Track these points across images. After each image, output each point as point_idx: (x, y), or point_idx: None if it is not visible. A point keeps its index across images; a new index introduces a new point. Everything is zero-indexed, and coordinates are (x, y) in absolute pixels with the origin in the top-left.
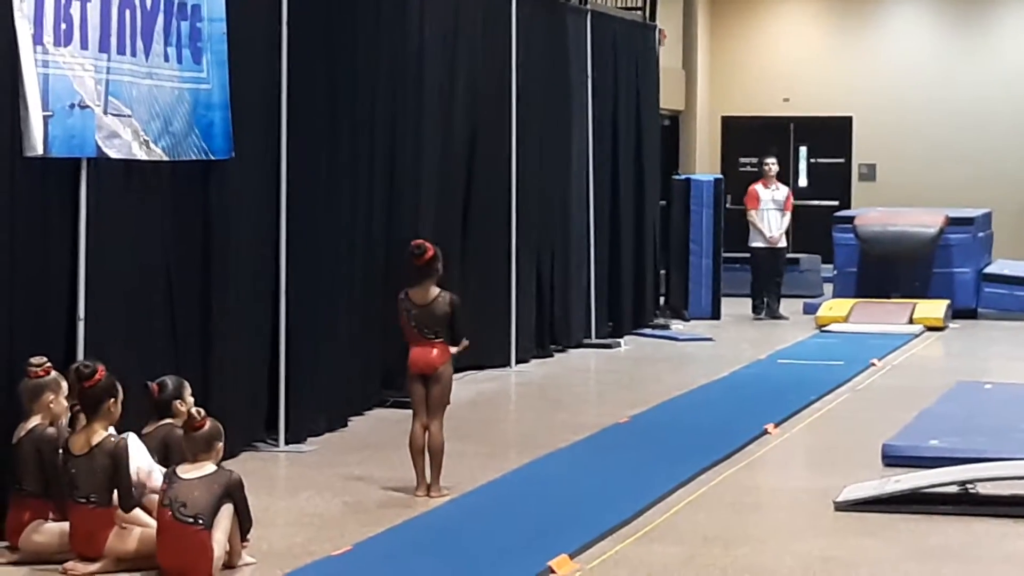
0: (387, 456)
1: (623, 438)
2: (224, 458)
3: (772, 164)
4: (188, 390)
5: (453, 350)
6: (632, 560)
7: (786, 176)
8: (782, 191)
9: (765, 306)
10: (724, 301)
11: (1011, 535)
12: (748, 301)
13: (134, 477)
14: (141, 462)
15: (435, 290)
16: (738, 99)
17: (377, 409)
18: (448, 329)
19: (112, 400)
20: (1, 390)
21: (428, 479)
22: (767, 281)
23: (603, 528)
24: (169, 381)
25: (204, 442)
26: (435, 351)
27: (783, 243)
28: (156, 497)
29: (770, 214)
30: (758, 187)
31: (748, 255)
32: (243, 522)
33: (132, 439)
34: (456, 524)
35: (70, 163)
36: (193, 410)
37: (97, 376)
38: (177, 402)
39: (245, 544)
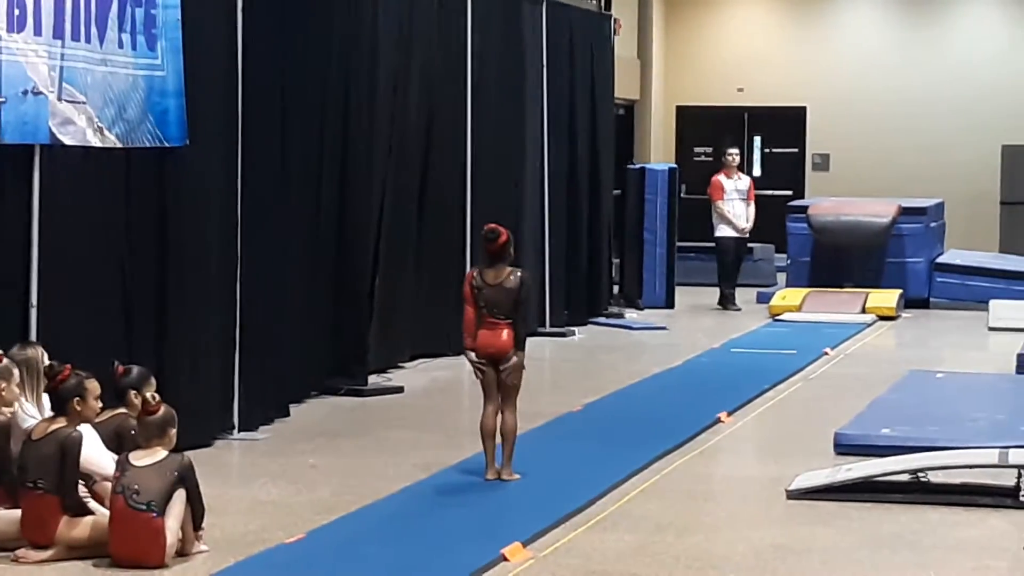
0: (341, 444)
1: (577, 426)
2: (190, 448)
3: (734, 154)
4: (152, 387)
5: (513, 359)
6: (585, 548)
7: (740, 166)
8: (744, 180)
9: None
10: (678, 290)
11: (962, 523)
12: (703, 290)
13: (90, 467)
14: (93, 451)
15: (507, 269)
16: (693, 89)
17: (330, 398)
18: (515, 308)
19: (77, 399)
20: None
21: (499, 463)
22: (734, 271)
23: (556, 516)
24: (135, 369)
25: (157, 428)
26: (505, 333)
27: (748, 233)
28: (108, 485)
29: (735, 204)
30: (721, 177)
31: (713, 244)
32: (196, 509)
33: (85, 427)
34: (409, 512)
35: (23, 149)
36: (148, 394)
37: (60, 377)
38: (133, 393)
39: (200, 533)
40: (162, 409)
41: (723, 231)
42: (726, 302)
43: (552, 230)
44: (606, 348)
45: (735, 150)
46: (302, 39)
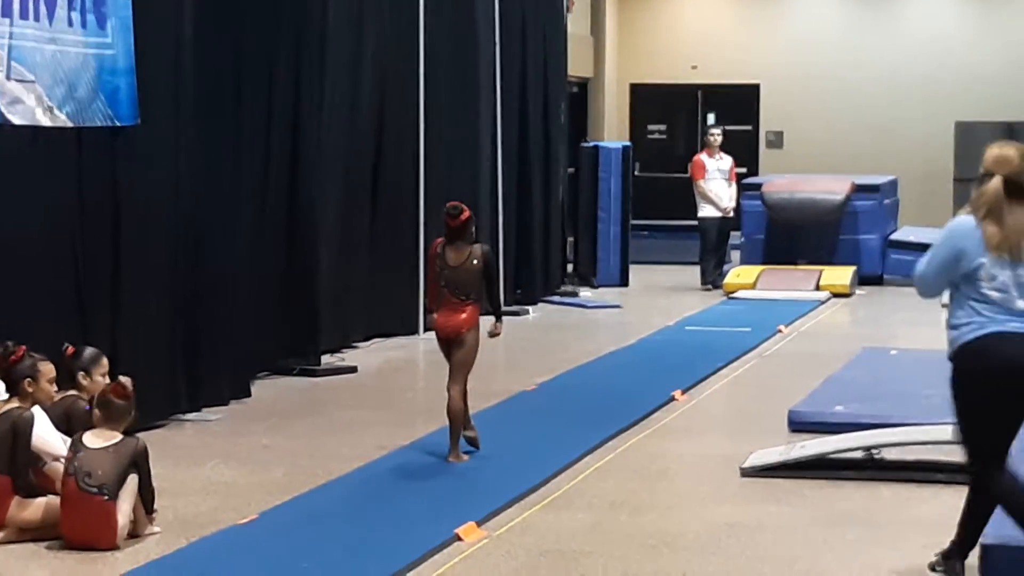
0: (293, 425)
1: (531, 405)
2: (143, 429)
3: (717, 134)
4: (101, 368)
5: (497, 327)
6: (539, 527)
7: (694, 144)
8: (726, 160)
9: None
10: (632, 268)
11: (915, 499)
12: (657, 268)
13: (40, 448)
14: (44, 432)
15: (468, 249)
16: (646, 66)
17: (283, 378)
18: (483, 285)
19: (29, 380)
20: None
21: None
22: (716, 250)
23: (510, 495)
24: (85, 351)
25: (126, 412)
26: (464, 315)
27: (732, 213)
28: (59, 466)
29: (716, 183)
30: (703, 157)
31: (696, 223)
32: (146, 493)
33: (35, 410)
34: (363, 492)
35: None
36: (122, 378)
37: (12, 358)
38: (81, 374)
39: (152, 516)
40: (131, 395)
41: (705, 211)
42: (705, 280)
43: (505, 209)
44: (560, 327)
45: (718, 130)
46: (253, 17)
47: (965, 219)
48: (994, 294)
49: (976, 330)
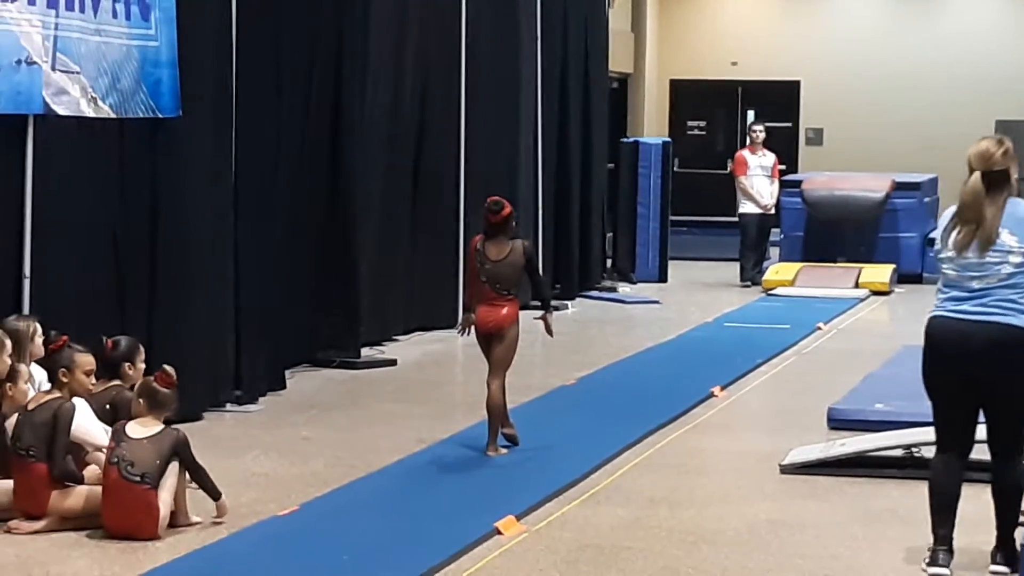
0: (333, 417)
1: (570, 400)
2: (183, 420)
3: (759, 131)
4: (141, 356)
5: (548, 318)
6: (578, 521)
7: (733, 141)
8: (769, 157)
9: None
10: (671, 264)
11: None
12: (696, 264)
13: (82, 438)
14: (85, 422)
15: (508, 244)
16: (686, 62)
17: (323, 370)
18: (525, 279)
19: (64, 370)
20: None
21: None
22: (756, 247)
23: (550, 489)
24: (123, 341)
25: (171, 400)
26: (504, 310)
27: (773, 210)
28: (100, 456)
29: (758, 180)
30: (745, 153)
31: (736, 220)
32: (204, 482)
33: (78, 402)
34: (403, 485)
35: (17, 119)
36: (167, 367)
37: (52, 347)
38: (126, 365)
39: (223, 504)
40: (176, 383)
41: (746, 207)
42: (744, 277)
43: (545, 204)
44: (599, 322)
45: (760, 127)
46: (294, 11)
47: (950, 209)
48: (951, 273)
49: (935, 310)
